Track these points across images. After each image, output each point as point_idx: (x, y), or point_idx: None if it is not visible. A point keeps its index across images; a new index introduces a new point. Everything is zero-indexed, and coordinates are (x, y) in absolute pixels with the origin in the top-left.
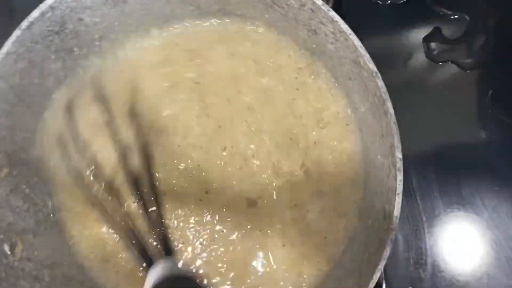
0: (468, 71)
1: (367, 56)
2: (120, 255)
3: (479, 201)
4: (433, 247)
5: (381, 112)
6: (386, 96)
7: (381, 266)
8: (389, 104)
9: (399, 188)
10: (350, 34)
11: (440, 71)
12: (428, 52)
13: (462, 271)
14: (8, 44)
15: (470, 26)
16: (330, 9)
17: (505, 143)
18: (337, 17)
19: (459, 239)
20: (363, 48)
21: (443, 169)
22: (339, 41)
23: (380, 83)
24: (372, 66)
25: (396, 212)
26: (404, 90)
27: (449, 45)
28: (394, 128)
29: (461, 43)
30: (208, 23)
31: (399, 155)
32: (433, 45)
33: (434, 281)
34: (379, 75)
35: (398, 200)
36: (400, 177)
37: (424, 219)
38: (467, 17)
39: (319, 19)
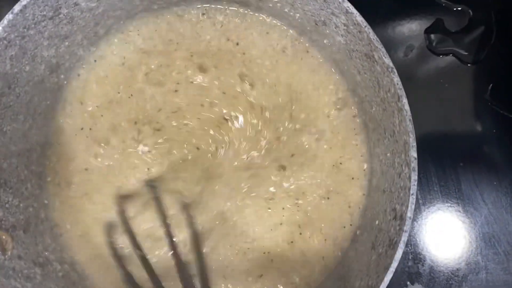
0: (469, 64)
1: (383, 51)
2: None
3: (478, 196)
4: (431, 242)
5: (394, 108)
6: (402, 92)
7: (393, 268)
8: (405, 101)
9: (413, 188)
10: (365, 27)
11: (441, 63)
12: (429, 44)
13: (460, 265)
14: None
15: (472, 19)
16: (345, 0)
17: (504, 138)
18: (352, 8)
19: (458, 234)
20: (379, 41)
21: (442, 164)
22: (351, 33)
23: (396, 79)
24: (388, 61)
25: (410, 212)
26: (404, 81)
27: (450, 37)
28: (410, 126)
29: (462, 36)
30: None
31: (414, 154)
32: (434, 37)
33: (432, 276)
34: (395, 70)
35: (412, 200)
36: (414, 176)
37: (423, 213)
38: (469, 10)
39: (331, 9)
